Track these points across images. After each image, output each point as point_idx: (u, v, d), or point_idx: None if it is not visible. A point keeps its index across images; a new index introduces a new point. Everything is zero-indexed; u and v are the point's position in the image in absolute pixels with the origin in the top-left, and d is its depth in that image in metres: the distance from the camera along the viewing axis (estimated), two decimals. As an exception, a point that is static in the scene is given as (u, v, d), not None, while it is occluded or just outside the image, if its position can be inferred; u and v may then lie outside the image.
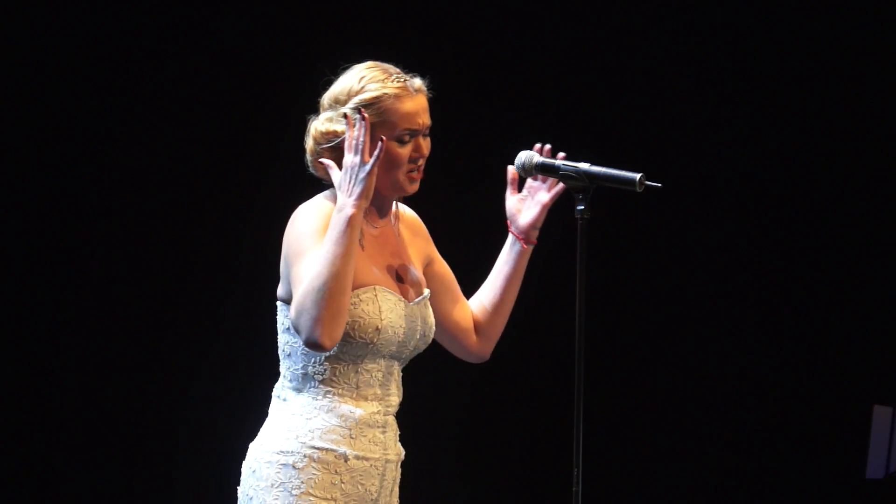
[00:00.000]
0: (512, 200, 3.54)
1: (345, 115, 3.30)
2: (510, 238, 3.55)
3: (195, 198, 6.14)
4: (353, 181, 3.20)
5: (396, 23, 6.22)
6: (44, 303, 6.06)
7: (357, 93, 3.32)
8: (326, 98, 3.37)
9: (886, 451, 6.46)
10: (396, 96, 3.32)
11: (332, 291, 3.14)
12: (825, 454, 6.63)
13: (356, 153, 3.21)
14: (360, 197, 3.19)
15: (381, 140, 3.22)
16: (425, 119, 3.35)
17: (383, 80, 3.33)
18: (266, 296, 3.40)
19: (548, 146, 3.48)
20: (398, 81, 3.34)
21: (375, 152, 3.20)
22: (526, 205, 3.54)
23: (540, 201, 3.52)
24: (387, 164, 3.31)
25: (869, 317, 6.64)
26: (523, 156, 3.46)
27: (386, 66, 3.37)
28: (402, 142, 3.32)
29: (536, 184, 3.53)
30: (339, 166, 3.30)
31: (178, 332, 6.15)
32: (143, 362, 6.13)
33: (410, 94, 3.34)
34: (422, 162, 3.36)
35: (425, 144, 3.37)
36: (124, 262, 6.11)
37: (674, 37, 6.58)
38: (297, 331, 3.17)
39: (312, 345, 3.17)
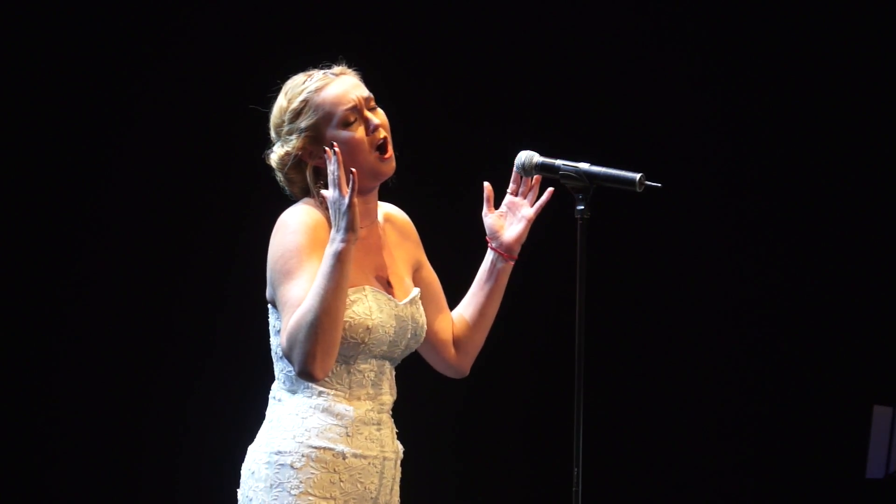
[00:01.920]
0: (491, 217, 3.53)
1: (290, 133, 3.33)
2: (492, 254, 3.53)
3: (188, 201, 6.13)
4: (337, 216, 3.19)
5: (394, 23, 6.22)
6: (41, 309, 6.05)
7: (287, 108, 3.35)
8: (271, 130, 3.40)
9: (886, 451, 6.46)
10: (318, 89, 3.34)
11: (323, 326, 3.14)
12: (825, 454, 6.63)
13: (334, 188, 3.20)
14: (348, 230, 3.17)
15: (352, 172, 3.19)
16: (359, 92, 3.35)
17: (303, 82, 3.36)
18: (262, 297, 3.40)
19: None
20: (316, 76, 3.36)
21: (350, 184, 3.18)
22: (508, 220, 3.53)
23: (525, 216, 3.51)
24: (351, 153, 3.30)
25: (869, 317, 6.64)
26: (523, 156, 3.45)
27: (306, 71, 3.39)
28: (349, 124, 3.32)
29: (517, 199, 3.53)
30: (304, 179, 3.34)
31: (176, 335, 6.14)
32: (141, 367, 6.12)
33: (332, 80, 3.35)
34: (383, 134, 3.34)
35: (376, 115, 3.36)
36: (119, 267, 6.10)
37: (673, 37, 6.58)
38: (289, 361, 3.19)
39: (304, 377, 3.19)
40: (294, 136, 3.33)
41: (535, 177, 3.49)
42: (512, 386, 6.54)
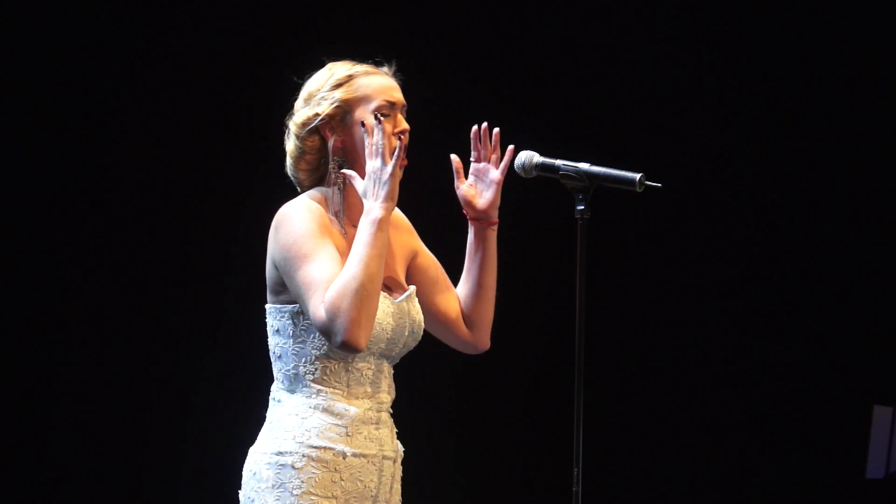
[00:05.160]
0: (463, 188, 3.52)
1: (323, 99, 3.36)
2: (474, 225, 3.53)
3: (187, 202, 6.12)
4: (377, 185, 3.25)
5: (392, 17, 6.22)
6: (41, 310, 6.04)
7: (329, 78, 3.39)
8: (300, 99, 3.42)
9: (886, 451, 6.47)
10: (367, 73, 3.40)
11: (368, 293, 3.17)
12: (825, 454, 6.63)
13: (376, 156, 3.25)
14: (387, 199, 3.23)
15: (400, 139, 3.27)
16: (401, 96, 3.40)
17: (351, 65, 3.41)
18: (260, 298, 3.40)
19: (485, 125, 3.50)
20: (366, 64, 3.42)
21: (395, 153, 3.24)
22: (479, 188, 3.52)
23: (493, 180, 3.50)
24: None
25: (869, 317, 6.65)
26: (523, 155, 3.45)
27: (349, 60, 3.45)
28: (382, 115, 3.35)
29: (482, 165, 3.51)
30: (315, 152, 3.37)
31: (175, 337, 6.13)
32: (141, 369, 6.11)
33: (380, 73, 3.41)
34: (405, 140, 3.36)
35: (404, 121, 3.40)
36: (118, 269, 6.09)
37: (674, 37, 6.58)
38: (328, 334, 3.18)
39: (348, 346, 3.18)
40: (326, 102, 3.36)
41: (494, 137, 3.50)
42: (512, 386, 6.54)
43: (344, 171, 3.34)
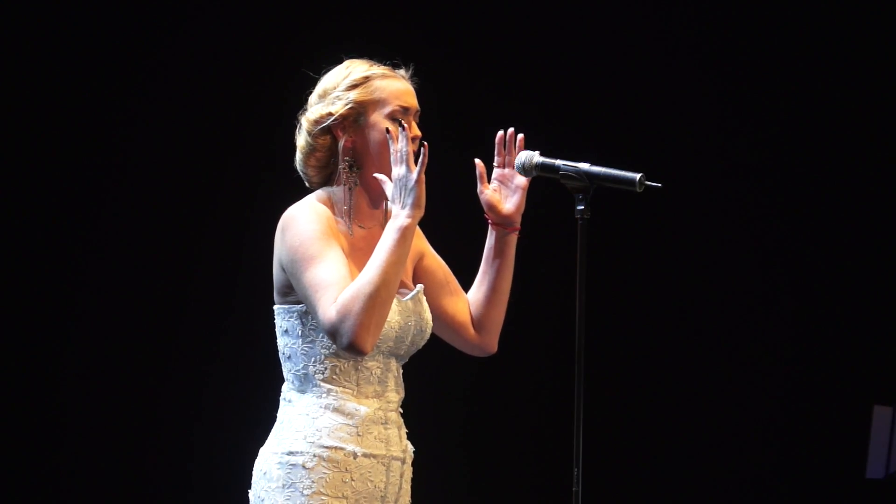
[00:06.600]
0: (487, 193, 3.52)
1: (338, 98, 3.35)
2: (495, 230, 3.53)
3: (195, 203, 6.12)
4: (403, 192, 3.24)
5: (392, 17, 6.22)
6: (49, 313, 6.03)
7: (345, 77, 3.38)
8: (315, 94, 3.41)
9: (886, 451, 6.47)
10: (384, 75, 3.39)
11: (382, 298, 3.17)
12: (825, 454, 6.63)
13: (401, 163, 3.25)
14: (414, 207, 3.23)
15: (424, 145, 3.26)
16: (415, 102, 3.40)
17: (369, 66, 3.40)
18: (269, 299, 3.40)
19: (510, 131, 3.50)
20: (383, 66, 3.41)
21: (420, 159, 3.24)
22: (504, 193, 3.52)
23: (519, 185, 3.50)
24: (385, 147, 3.32)
25: (869, 317, 6.65)
26: (523, 156, 3.45)
27: (368, 59, 3.44)
28: (395, 120, 3.35)
29: (507, 171, 3.52)
30: (325, 150, 3.36)
31: (186, 338, 6.13)
32: (151, 370, 6.11)
33: (397, 76, 3.41)
34: (415, 146, 3.36)
35: (416, 128, 3.39)
36: (127, 271, 6.09)
37: (674, 37, 6.58)
38: (335, 335, 3.18)
39: (354, 349, 3.18)
40: (340, 102, 3.36)
41: (519, 142, 3.50)
42: (512, 386, 6.53)
43: (376, 175, 3.33)
